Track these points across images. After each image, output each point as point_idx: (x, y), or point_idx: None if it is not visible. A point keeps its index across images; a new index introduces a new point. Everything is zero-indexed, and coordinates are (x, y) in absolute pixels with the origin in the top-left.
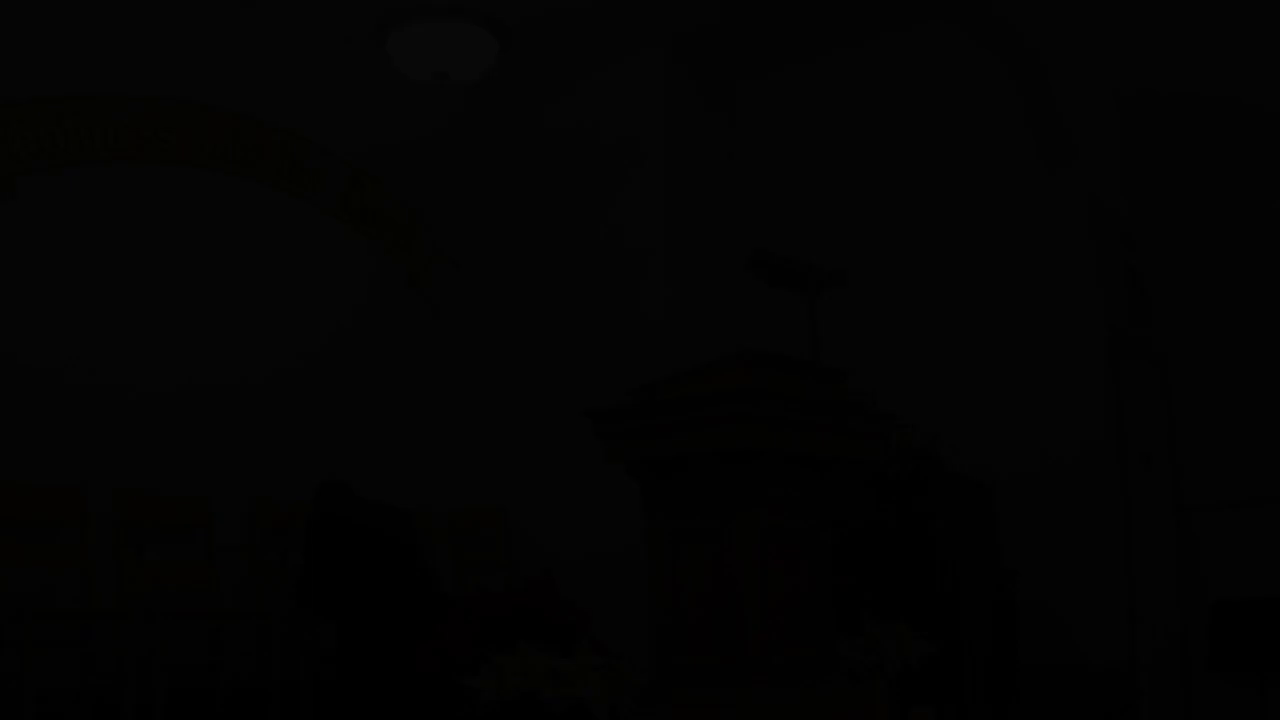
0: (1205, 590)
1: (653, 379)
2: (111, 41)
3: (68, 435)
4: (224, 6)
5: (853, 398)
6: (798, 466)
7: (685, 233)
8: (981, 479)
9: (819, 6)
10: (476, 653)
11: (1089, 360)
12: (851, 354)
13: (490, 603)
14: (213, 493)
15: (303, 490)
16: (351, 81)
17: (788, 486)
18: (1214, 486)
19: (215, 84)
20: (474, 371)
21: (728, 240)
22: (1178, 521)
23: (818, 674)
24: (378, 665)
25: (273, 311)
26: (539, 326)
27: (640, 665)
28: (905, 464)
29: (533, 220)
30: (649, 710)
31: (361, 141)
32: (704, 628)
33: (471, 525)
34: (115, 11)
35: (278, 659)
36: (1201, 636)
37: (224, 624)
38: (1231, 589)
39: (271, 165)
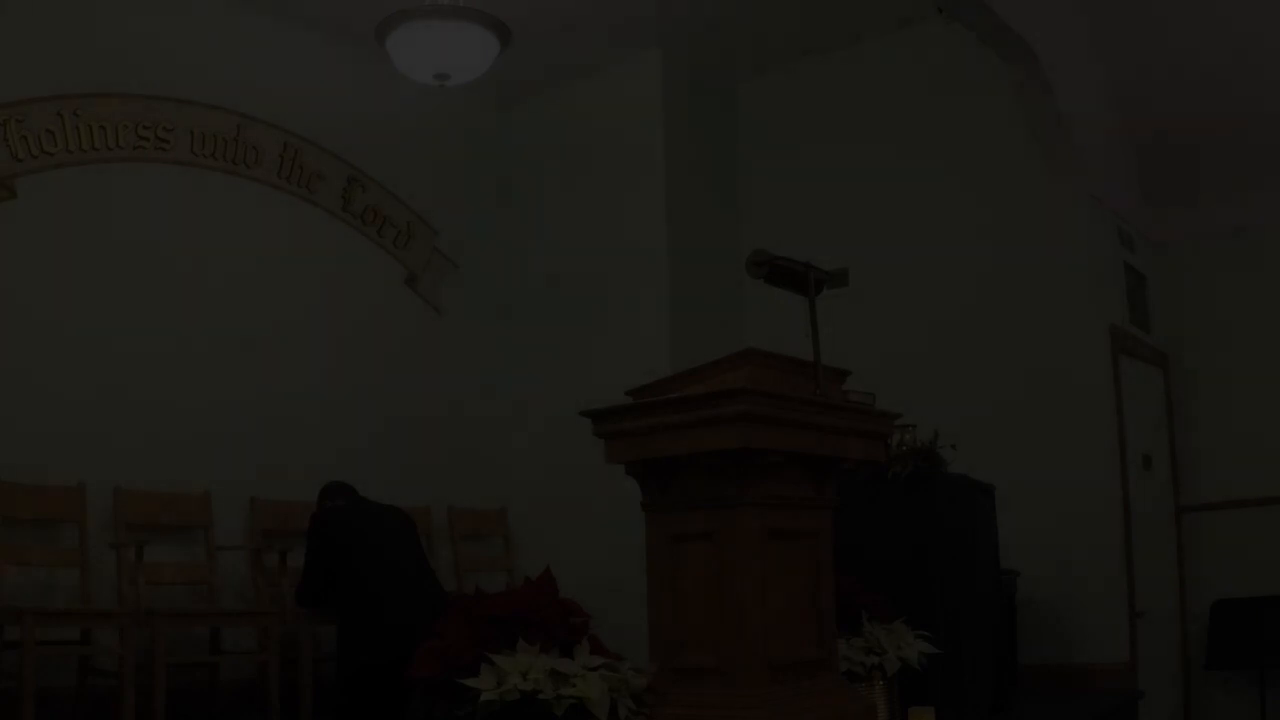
0: (1205, 590)
1: (652, 379)
2: (112, 42)
3: (68, 435)
4: (224, 7)
5: (853, 398)
6: (798, 466)
7: (685, 232)
8: (982, 479)
9: (818, 6)
10: (476, 653)
11: (1089, 360)
12: (851, 354)
13: (490, 603)
14: (213, 493)
15: (303, 490)
16: (351, 81)
17: (787, 487)
18: (1214, 486)
19: (215, 84)
20: (475, 371)
21: (727, 240)
22: (1178, 521)
23: (817, 674)
24: (377, 665)
25: (272, 311)
26: (538, 326)
27: (640, 665)
28: (906, 464)
29: (533, 219)
30: (649, 710)
31: (361, 141)
32: (703, 628)
33: (472, 526)
34: (115, 12)
35: (277, 659)
36: (1201, 636)
37: (224, 624)
38: (1231, 589)
39: (271, 165)
